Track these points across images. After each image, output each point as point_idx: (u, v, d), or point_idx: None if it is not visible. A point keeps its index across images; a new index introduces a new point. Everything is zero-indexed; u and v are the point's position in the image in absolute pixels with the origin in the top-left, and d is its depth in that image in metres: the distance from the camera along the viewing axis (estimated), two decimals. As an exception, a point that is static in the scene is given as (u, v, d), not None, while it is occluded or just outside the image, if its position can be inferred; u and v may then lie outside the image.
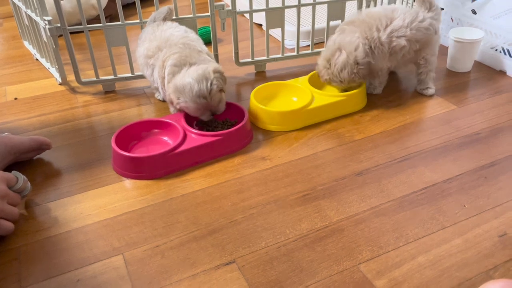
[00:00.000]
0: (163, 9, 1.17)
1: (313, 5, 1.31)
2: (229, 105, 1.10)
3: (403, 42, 1.12)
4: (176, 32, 1.10)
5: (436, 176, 0.94)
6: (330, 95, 1.14)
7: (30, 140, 0.98)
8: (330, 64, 1.12)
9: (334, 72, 1.11)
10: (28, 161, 1.01)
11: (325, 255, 0.77)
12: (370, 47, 1.11)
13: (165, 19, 1.17)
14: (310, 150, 1.03)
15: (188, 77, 0.98)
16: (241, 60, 1.34)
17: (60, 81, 1.29)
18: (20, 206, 0.88)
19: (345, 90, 1.16)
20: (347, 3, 1.36)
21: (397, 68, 1.31)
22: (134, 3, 1.83)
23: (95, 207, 0.88)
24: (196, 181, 0.95)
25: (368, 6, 1.35)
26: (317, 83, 1.19)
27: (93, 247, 0.80)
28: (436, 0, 1.17)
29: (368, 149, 1.02)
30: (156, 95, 1.23)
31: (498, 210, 0.85)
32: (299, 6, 1.30)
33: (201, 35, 1.48)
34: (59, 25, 1.16)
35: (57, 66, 1.27)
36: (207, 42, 1.43)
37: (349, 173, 0.95)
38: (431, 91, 1.22)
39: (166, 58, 1.03)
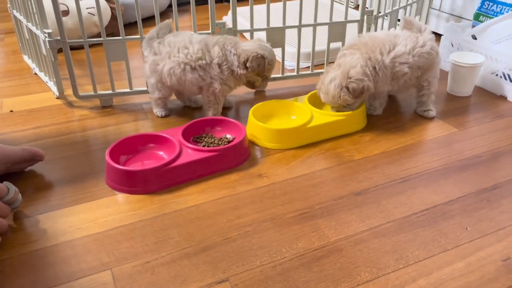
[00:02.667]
0: (165, 24, 1.16)
1: (314, 26, 1.32)
2: (227, 122, 1.09)
3: (405, 69, 1.11)
4: (202, 36, 1.15)
5: (437, 198, 0.92)
6: (329, 114, 1.13)
7: (23, 151, 0.96)
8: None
9: (325, 81, 1.10)
10: (20, 172, 0.99)
11: (322, 275, 0.74)
12: (374, 68, 1.10)
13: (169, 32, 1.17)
14: (308, 168, 1.01)
15: (260, 41, 1.17)
16: (240, 79, 1.34)
17: (58, 94, 1.28)
18: (9, 217, 0.85)
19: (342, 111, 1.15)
20: (348, 25, 1.37)
21: (398, 93, 1.30)
22: (135, 22, 1.85)
23: (85, 221, 0.85)
24: (190, 197, 0.92)
25: (368, 29, 1.35)
26: (317, 102, 1.18)
27: (80, 262, 0.76)
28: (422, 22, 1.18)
29: (367, 169, 1.00)
30: (155, 111, 1.22)
31: (501, 233, 0.83)
32: (300, 26, 1.31)
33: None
34: (59, 38, 1.16)
35: (55, 80, 1.26)
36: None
37: (348, 193, 0.93)
38: (432, 113, 1.21)
39: (226, 50, 1.11)
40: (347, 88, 1.07)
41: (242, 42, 1.15)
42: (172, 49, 1.11)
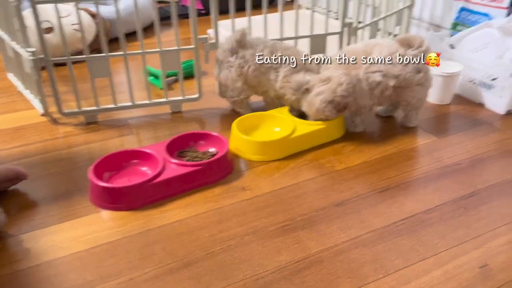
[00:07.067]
0: (243, 32, 1.20)
1: (296, 38, 1.34)
2: (209, 136, 1.11)
3: (378, 77, 1.11)
4: (274, 41, 1.26)
5: (417, 206, 0.93)
6: (310, 124, 1.14)
7: (6, 170, 0.96)
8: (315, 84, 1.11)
9: (311, 93, 1.10)
10: (3, 191, 0.99)
11: (304, 287, 0.75)
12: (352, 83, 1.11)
13: None
14: (291, 180, 1.02)
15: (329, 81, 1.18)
16: (224, 92, 1.35)
17: (42, 112, 1.29)
18: (-8, 238, 0.86)
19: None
20: (328, 37, 1.39)
21: (380, 106, 1.31)
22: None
23: (68, 239, 0.86)
24: (174, 212, 0.93)
25: (349, 40, 1.37)
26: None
27: (63, 281, 0.77)
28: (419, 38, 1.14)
29: (349, 179, 1.02)
30: (240, 111, 1.28)
31: (478, 240, 0.85)
32: (281, 39, 1.33)
33: (185, 68, 1.50)
34: (42, 56, 1.17)
35: (39, 97, 1.26)
36: (191, 75, 1.45)
37: (330, 204, 0.95)
38: (412, 122, 1.22)
39: (284, 58, 1.19)
40: (332, 102, 1.08)
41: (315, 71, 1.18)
42: (255, 51, 1.18)
